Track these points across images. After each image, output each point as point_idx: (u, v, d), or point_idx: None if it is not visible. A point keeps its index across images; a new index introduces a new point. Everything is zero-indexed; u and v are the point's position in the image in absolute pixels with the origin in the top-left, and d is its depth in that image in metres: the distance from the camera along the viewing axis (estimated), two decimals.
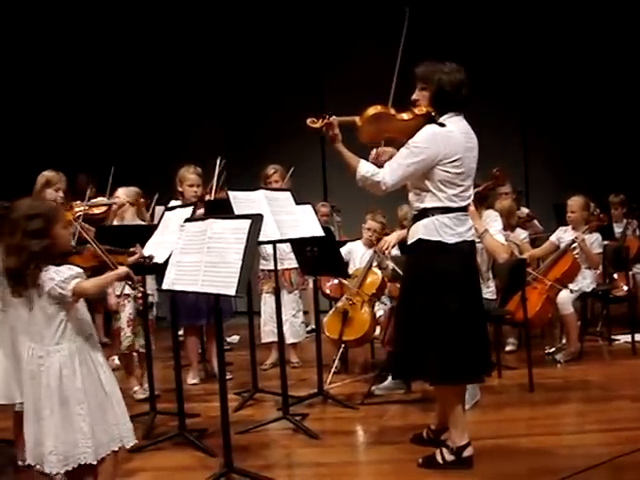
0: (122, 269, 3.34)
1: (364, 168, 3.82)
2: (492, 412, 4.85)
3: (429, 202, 3.81)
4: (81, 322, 3.27)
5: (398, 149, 3.89)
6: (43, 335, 3.17)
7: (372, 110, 3.83)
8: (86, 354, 3.24)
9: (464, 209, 3.86)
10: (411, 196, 3.96)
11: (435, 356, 3.77)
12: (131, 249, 3.99)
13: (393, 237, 5.42)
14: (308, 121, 3.84)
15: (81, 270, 3.20)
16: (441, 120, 3.83)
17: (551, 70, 9.08)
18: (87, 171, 7.45)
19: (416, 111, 3.87)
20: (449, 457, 3.91)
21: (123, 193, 5.66)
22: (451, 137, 3.77)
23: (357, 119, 3.84)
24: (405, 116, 3.87)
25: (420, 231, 3.83)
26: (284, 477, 3.90)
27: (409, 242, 3.95)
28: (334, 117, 3.83)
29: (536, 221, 7.60)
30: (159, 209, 5.79)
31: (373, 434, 4.69)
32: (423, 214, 3.83)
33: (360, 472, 4.18)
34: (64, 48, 9.15)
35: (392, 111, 3.88)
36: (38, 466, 3.19)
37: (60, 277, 3.10)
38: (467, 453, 3.90)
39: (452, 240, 3.78)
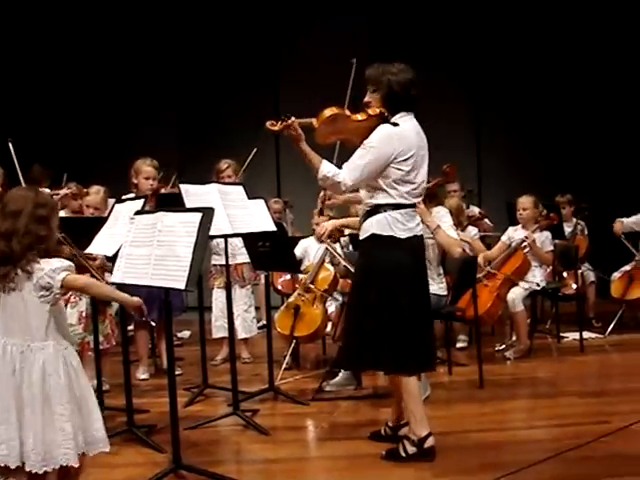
0: (137, 300, 3.28)
1: (326, 169, 3.88)
2: (442, 408, 4.86)
3: (382, 199, 3.89)
4: (63, 321, 3.22)
5: (353, 150, 3.94)
6: (27, 330, 3.06)
7: (328, 112, 3.88)
8: (66, 355, 3.15)
9: (414, 206, 3.96)
10: (363, 193, 4.04)
11: (389, 347, 3.85)
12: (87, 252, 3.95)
13: (329, 224, 5.25)
14: (267, 124, 3.89)
15: (72, 264, 3.14)
16: (393, 120, 3.90)
17: (505, 70, 9.17)
18: (41, 161, 7.30)
19: (370, 112, 3.93)
20: (411, 449, 3.94)
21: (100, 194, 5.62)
22: (404, 136, 3.85)
23: (314, 121, 3.89)
24: (360, 117, 3.92)
25: (373, 226, 3.90)
26: (234, 473, 3.85)
27: (361, 237, 4.01)
28: (293, 118, 3.86)
29: (487, 220, 7.67)
30: (110, 201, 5.70)
31: (324, 430, 4.68)
32: (375, 210, 3.90)
33: (311, 468, 4.17)
34: (23, 39, 8.95)
35: (347, 112, 3.94)
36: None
37: (50, 267, 3.04)
38: (428, 444, 3.93)
39: (404, 235, 3.87)
